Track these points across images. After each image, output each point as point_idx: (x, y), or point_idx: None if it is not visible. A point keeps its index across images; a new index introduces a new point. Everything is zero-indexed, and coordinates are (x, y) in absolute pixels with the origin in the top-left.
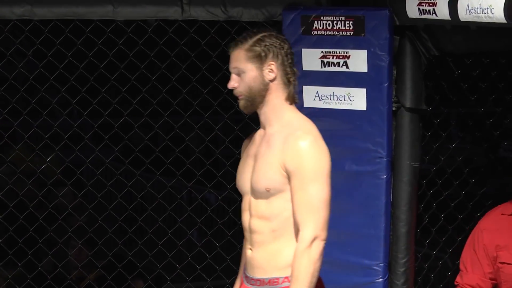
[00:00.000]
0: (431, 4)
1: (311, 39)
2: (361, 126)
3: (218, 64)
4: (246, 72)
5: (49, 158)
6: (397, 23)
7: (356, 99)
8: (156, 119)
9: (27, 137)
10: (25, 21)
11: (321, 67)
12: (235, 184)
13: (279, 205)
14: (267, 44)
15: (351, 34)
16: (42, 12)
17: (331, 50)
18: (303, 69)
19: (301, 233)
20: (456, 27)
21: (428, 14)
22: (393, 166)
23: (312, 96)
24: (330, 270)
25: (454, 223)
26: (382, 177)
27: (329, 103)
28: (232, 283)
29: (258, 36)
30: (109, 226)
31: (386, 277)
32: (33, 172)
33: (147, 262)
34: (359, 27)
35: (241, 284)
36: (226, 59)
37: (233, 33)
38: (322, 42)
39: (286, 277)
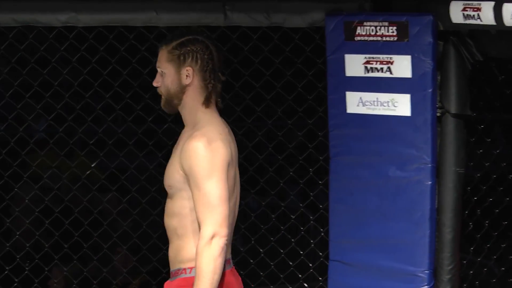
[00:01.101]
0: (475, 9)
1: (354, 45)
2: (406, 132)
3: (261, 70)
4: (166, 73)
5: (94, 164)
6: (441, 28)
7: (400, 105)
8: None
9: (72, 143)
10: (69, 28)
11: (365, 73)
12: (279, 190)
13: (179, 203)
14: (188, 48)
15: (395, 39)
16: (86, 19)
17: (374, 55)
18: (346, 75)
19: (201, 231)
20: (500, 32)
21: (472, 19)
22: (438, 172)
23: (355, 102)
24: (375, 277)
25: (498, 230)
26: (427, 183)
27: (373, 109)
28: None
29: (181, 40)
30: (154, 232)
31: (431, 284)
32: (78, 177)
33: None
34: (402, 33)
35: None
36: (269, 66)
37: (276, 39)
38: (365, 47)
39: (184, 269)
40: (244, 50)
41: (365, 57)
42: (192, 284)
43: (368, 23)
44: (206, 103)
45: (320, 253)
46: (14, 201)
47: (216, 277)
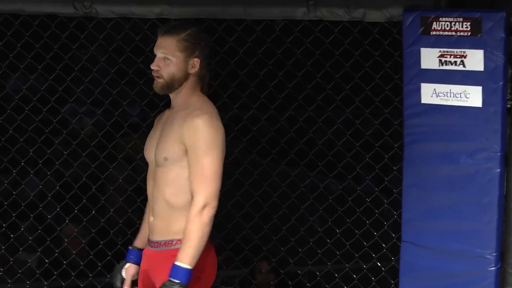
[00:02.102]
0: None
1: (430, 39)
2: (477, 122)
3: (341, 62)
4: (172, 60)
5: None
6: None
7: (472, 97)
8: (282, 113)
9: None
10: (163, 20)
11: (439, 66)
12: (355, 175)
13: (175, 172)
14: (198, 40)
15: (468, 34)
16: (179, 11)
17: (448, 49)
18: (421, 67)
19: (194, 200)
20: None
21: None
22: (506, 160)
23: (430, 93)
24: (445, 258)
25: None
26: (495, 170)
27: (446, 100)
28: (352, 268)
29: (192, 30)
30: (237, 212)
31: (498, 266)
32: None
33: (271, 245)
34: (476, 28)
35: (144, 249)
36: (349, 58)
37: (355, 32)
38: (440, 42)
39: (179, 240)
40: (325, 43)
41: (440, 51)
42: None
43: (444, 19)
44: (201, 89)
45: (393, 235)
46: (109, 181)
47: (202, 243)
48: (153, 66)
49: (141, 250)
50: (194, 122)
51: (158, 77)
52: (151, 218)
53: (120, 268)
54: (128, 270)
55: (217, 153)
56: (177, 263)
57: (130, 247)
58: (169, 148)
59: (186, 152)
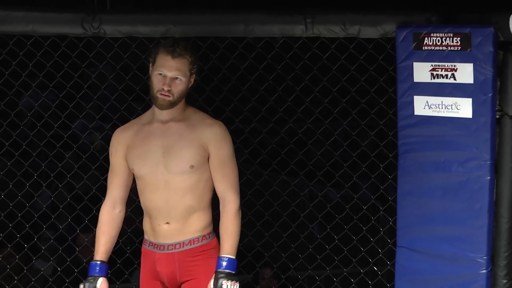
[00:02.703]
0: None
1: (422, 54)
2: (467, 133)
3: (338, 76)
4: (183, 79)
5: None
6: (501, 39)
7: (462, 108)
8: (282, 125)
9: None
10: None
11: (431, 79)
12: (352, 184)
13: (194, 179)
14: (196, 60)
15: (459, 49)
16: (182, 30)
17: (440, 63)
18: (414, 80)
19: (228, 199)
20: None
21: None
22: (496, 168)
23: (422, 105)
24: (438, 262)
25: None
26: (486, 178)
27: (438, 111)
28: (350, 272)
29: (192, 51)
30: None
31: (489, 269)
32: None
33: (273, 252)
34: (466, 43)
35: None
36: (345, 73)
37: (351, 48)
38: (432, 56)
39: (204, 235)
40: (322, 58)
41: (432, 65)
42: (214, 246)
43: (435, 34)
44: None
45: (389, 240)
46: None
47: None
48: (166, 88)
49: (105, 263)
50: (217, 130)
51: (167, 96)
52: (165, 225)
53: (93, 285)
54: (103, 285)
55: (235, 157)
56: (225, 255)
57: (98, 262)
58: (195, 156)
59: (208, 157)
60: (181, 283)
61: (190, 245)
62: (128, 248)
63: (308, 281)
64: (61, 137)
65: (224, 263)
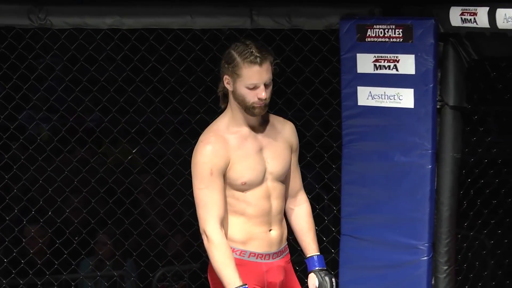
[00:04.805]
0: (472, 14)
1: (365, 45)
2: (409, 122)
3: (282, 67)
4: (270, 82)
5: (135, 150)
6: (442, 30)
7: (404, 98)
8: None
9: (115, 131)
10: (114, 30)
11: (374, 70)
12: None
13: (284, 185)
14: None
15: (401, 40)
16: (130, 22)
17: (382, 55)
18: (358, 71)
19: (306, 199)
20: (494, 34)
21: (469, 22)
22: (437, 157)
23: (366, 95)
24: (381, 249)
25: (489, 208)
26: (427, 167)
27: (381, 102)
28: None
29: (268, 48)
30: (187, 210)
31: (430, 256)
32: (120, 162)
33: None
34: (407, 35)
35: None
36: (290, 63)
37: (296, 40)
38: (375, 48)
39: (287, 243)
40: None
41: (374, 56)
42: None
43: (378, 26)
44: None
45: (333, 229)
46: (64, 183)
47: None
48: (264, 97)
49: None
50: (294, 128)
51: (262, 104)
52: (269, 232)
53: None
54: None
55: None
56: (317, 253)
57: (246, 285)
58: (290, 161)
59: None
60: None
61: (286, 251)
62: (76, 238)
63: None
64: (8, 128)
65: (320, 261)
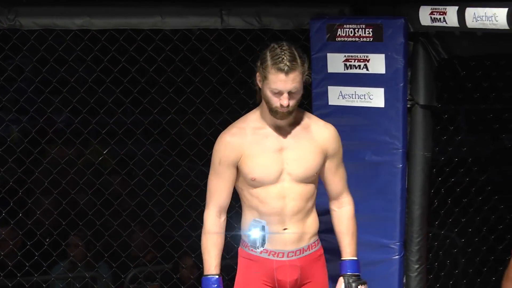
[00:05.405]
0: (441, 13)
1: (335, 45)
2: (380, 121)
3: (253, 67)
4: (298, 88)
5: (106, 151)
6: (411, 30)
7: (375, 98)
8: (199, 116)
9: (86, 132)
10: (84, 31)
11: (344, 70)
12: None
13: (313, 187)
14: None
15: (371, 40)
16: (99, 23)
17: (353, 54)
18: (328, 71)
19: (348, 201)
20: (463, 33)
21: (439, 22)
22: (408, 156)
23: (336, 95)
24: None
25: (459, 206)
26: (398, 166)
27: (351, 101)
28: None
29: (302, 57)
30: (158, 211)
31: (402, 254)
32: (91, 163)
33: (192, 241)
34: (377, 34)
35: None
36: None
37: (266, 40)
38: (345, 47)
39: (317, 240)
40: (238, 50)
41: (345, 56)
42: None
43: (348, 26)
44: None
45: None
46: (35, 184)
47: None
48: (286, 104)
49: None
50: (333, 132)
51: (287, 111)
52: (287, 231)
53: None
54: None
55: None
56: (352, 258)
57: (216, 276)
58: (319, 162)
59: (321, 163)
60: (301, 286)
61: (309, 250)
62: (47, 240)
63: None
64: None
65: (353, 266)
